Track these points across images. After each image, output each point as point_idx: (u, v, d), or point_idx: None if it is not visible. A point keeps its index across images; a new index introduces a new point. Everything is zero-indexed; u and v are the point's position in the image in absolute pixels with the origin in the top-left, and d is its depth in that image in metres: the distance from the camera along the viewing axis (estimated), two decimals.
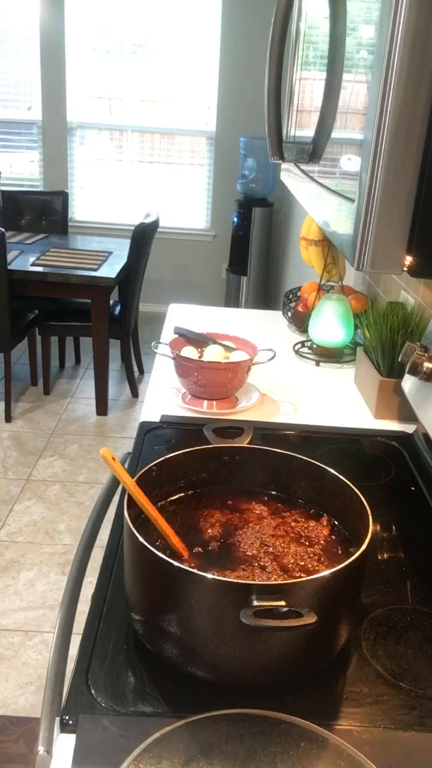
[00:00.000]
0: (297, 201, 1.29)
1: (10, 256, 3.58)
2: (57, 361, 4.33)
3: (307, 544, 0.90)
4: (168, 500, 0.98)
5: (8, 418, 3.61)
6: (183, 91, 5.05)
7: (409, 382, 1.34)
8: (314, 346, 1.85)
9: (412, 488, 1.24)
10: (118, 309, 3.87)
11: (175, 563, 0.74)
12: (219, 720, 0.70)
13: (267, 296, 5.11)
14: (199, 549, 0.89)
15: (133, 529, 0.78)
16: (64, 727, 0.73)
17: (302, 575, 0.84)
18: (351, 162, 0.75)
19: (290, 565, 0.86)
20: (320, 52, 1.02)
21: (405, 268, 0.70)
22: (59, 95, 5.01)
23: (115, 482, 1.18)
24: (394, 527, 1.12)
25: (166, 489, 0.97)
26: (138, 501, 0.84)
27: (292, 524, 0.94)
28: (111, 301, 3.71)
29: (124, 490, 0.95)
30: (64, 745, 0.71)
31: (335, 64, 0.84)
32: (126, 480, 0.84)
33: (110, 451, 0.83)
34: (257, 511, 0.97)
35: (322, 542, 0.91)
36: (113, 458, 0.83)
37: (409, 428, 1.46)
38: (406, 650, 0.86)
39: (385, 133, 0.64)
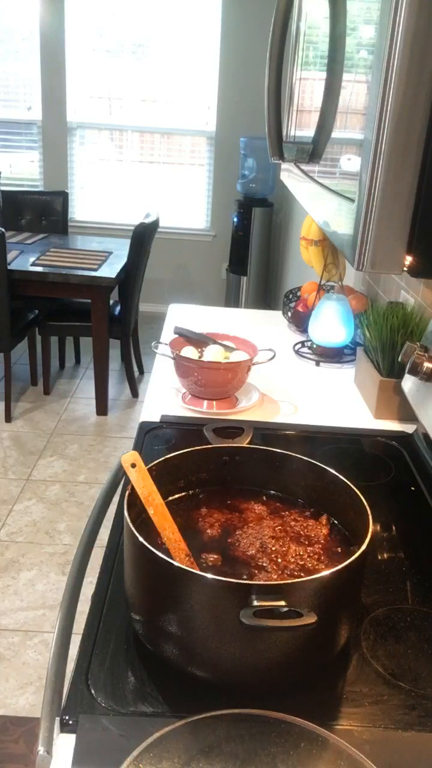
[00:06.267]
0: (297, 201, 1.29)
1: (10, 256, 3.58)
2: (57, 361, 4.33)
3: (306, 543, 0.90)
4: (168, 500, 0.98)
5: (8, 418, 3.61)
6: (183, 91, 5.04)
7: (409, 382, 1.34)
8: (314, 346, 1.85)
9: (412, 488, 1.24)
10: (118, 309, 3.87)
11: (175, 563, 0.74)
12: (219, 720, 0.70)
13: (267, 296, 5.11)
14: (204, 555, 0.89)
15: (133, 529, 0.78)
16: (64, 727, 0.73)
17: (302, 575, 0.84)
18: (351, 162, 0.75)
19: (290, 565, 0.86)
20: (320, 52, 1.02)
21: (405, 268, 0.70)
22: (59, 95, 5.01)
23: (115, 482, 1.17)
24: (394, 527, 1.12)
25: (166, 489, 0.97)
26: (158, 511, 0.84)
27: (292, 524, 0.94)
28: (111, 301, 3.71)
29: (124, 490, 0.95)
30: (64, 745, 0.71)
31: (335, 64, 0.84)
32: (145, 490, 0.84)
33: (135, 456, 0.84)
34: (257, 511, 0.97)
35: (321, 541, 0.91)
36: (132, 465, 0.84)
37: (409, 428, 1.45)
38: (406, 650, 0.86)
39: (385, 133, 0.64)
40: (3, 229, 3.26)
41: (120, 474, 1.06)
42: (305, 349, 1.89)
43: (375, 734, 0.74)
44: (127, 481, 0.86)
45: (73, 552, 0.99)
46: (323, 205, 0.92)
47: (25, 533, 2.74)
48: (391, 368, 1.48)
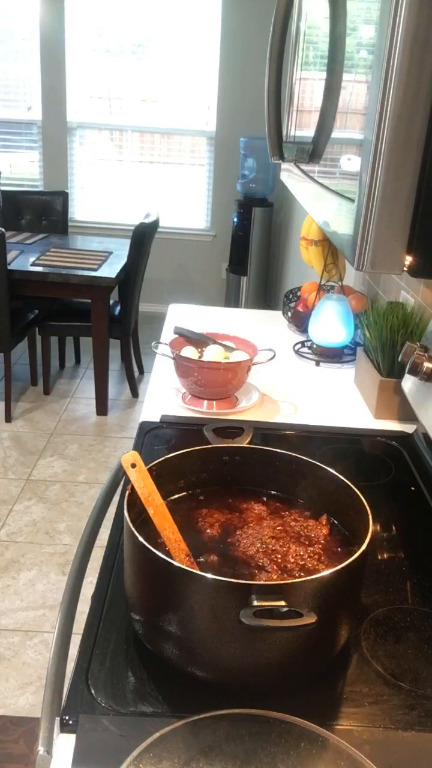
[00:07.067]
0: (297, 201, 1.29)
1: (10, 256, 3.58)
2: (57, 361, 4.33)
3: (306, 543, 0.90)
4: (168, 500, 0.98)
5: (8, 418, 3.61)
6: (183, 91, 5.04)
7: (409, 382, 1.34)
8: (314, 346, 1.85)
9: (412, 488, 1.24)
10: (118, 309, 3.87)
11: (175, 563, 0.74)
12: (219, 720, 0.70)
13: (267, 296, 5.11)
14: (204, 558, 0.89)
15: (133, 529, 0.78)
16: (64, 727, 0.73)
17: (302, 575, 0.84)
18: (351, 162, 0.76)
19: (290, 565, 0.86)
20: (320, 52, 1.02)
21: (405, 268, 0.70)
22: (59, 95, 5.01)
23: (115, 482, 1.18)
24: (394, 527, 1.12)
25: (166, 489, 0.97)
26: (158, 510, 0.84)
27: (292, 524, 0.94)
28: (111, 301, 3.71)
29: (124, 490, 0.95)
30: (64, 745, 0.71)
31: (335, 64, 0.84)
32: (145, 490, 0.84)
33: (134, 456, 0.84)
34: (257, 511, 0.97)
35: (321, 541, 0.91)
36: (132, 465, 0.84)
37: (409, 428, 1.45)
38: (406, 650, 0.86)
39: (385, 133, 0.64)
40: (3, 229, 3.25)
41: (120, 474, 1.06)
42: (305, 349, 1.89)
43: (375, 734, 0.74)
44: (127, 481, 0.86)
45: (73, 552, 0.99)
46: (323, 205, 0.92)
47: (25, 533, 2.74)
48: (391, 368, 1.48)
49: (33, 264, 3.53)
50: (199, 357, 1.49)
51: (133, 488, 0.86)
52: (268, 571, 0.85)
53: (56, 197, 4.36)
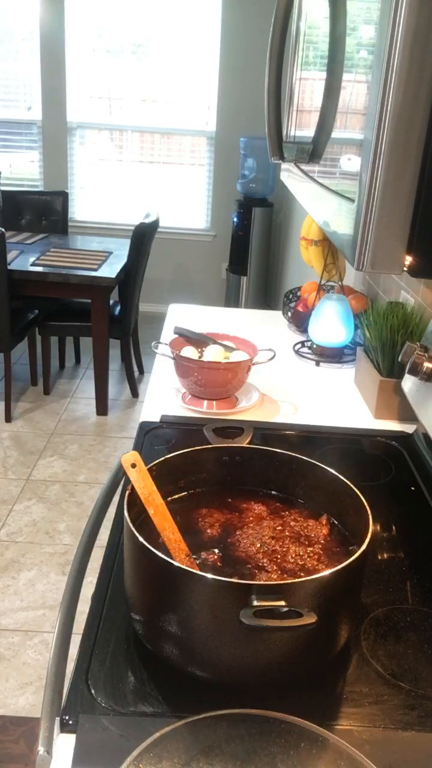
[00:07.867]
0: (297, 201, 1.29)
1: (10, 256, 3.58)
2: (57, 361, 4.33)
3: (306, 543, 0.90)
4: (168, 500, 0.98)
5: (8, 418, 3.61)
6: (183, 91, 5.04)
7: (409, 382, 1.34)
8: (314, 346, 1.85)
9: (412, 488, 1.24)
10: (118, 309, 3.87)
11: (175, 563, 0.74)
12: (219, 720, 0.70)
13: (267, 296, 5.11)
14: (205, 554, 0.89)
15: (133, 529, 0.78)
16: (64, 727, 0.73)
17: (302, 575, 0.84)
18: (351, 162, 0.76)
19: (290, 565, 0.86)
20: (320, 52, 1.02)
21: (405, 268, 0.70)
22: (59, 95, 5.01)
23: (115, 482, 1.17)
24: (394, 527, 1.12)
25: (166, 489, 0.97)
26: (158, 509, 0.85)
27: (292, 524, 0.94)
28: (111, 301, 3.71)
29: (124, 490, 0.95)
30: (64, 745, 0.71)
31: (335, 64, 0.84)
32: (146, 490, 0.84)
33: (135, 456, 0.84)
34: (257, 511, 0.97)
35: (321, 542, 0.91)
36: (133, 465, 0.84)
37: (409, 428, 1.45)
38: (406, 650, 0.86)
39: (385, 133, 0.64)
40: (3, 229, 3.26)
41: (120, 474, 1.06)
42: (305, 349, 1.89)
43: (375, 734, 0.74)
44: (127, 481, 0.86)
45: (73, 552, 0.99)
46: (323, 205, 0.92)
47: (25, 533, 2.74)
48: (391, 368, 1.48)
49: (33, 264, 3.53)
50: (199, 357, 1.49)
51: (133, 488, 0.86)
52: (268, 571, 0.85)
53: (56, 197, 4.36)
